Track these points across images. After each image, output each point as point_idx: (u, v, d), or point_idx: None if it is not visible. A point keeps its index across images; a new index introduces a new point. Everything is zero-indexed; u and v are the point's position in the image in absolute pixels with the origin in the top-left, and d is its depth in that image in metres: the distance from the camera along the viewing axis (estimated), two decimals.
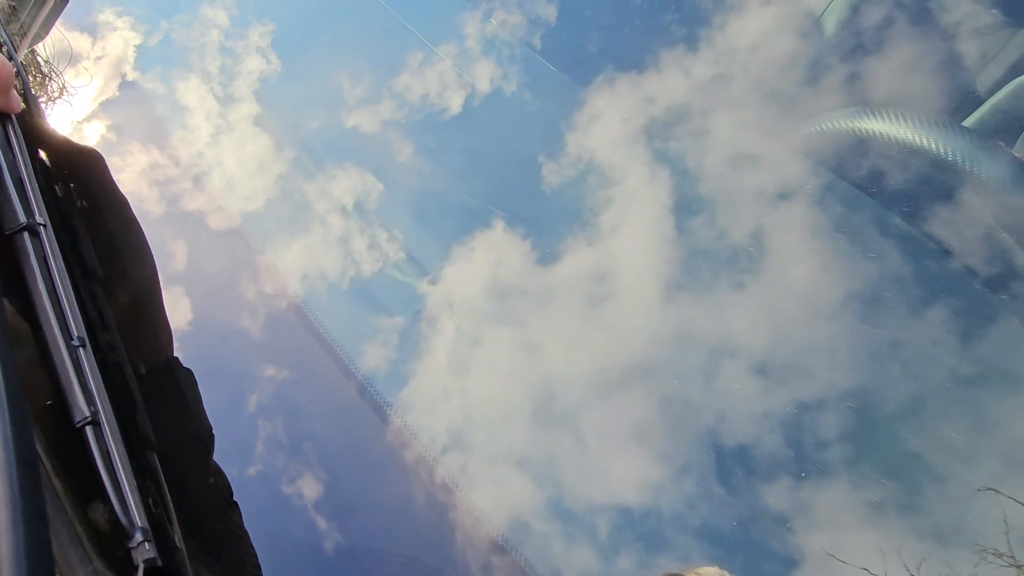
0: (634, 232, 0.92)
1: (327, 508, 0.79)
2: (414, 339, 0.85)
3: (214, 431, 0.83)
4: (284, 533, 0.80)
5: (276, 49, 1.19)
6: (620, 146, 0.99)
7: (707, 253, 0.88)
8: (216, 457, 0.84)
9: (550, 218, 0.95)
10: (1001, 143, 0.82)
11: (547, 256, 0.89)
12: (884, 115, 0.89)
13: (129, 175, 1.03)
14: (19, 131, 0.56)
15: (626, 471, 0.79)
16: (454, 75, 1.09)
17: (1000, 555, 0.60)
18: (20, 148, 0.56)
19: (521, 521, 0.77)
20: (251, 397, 0.86)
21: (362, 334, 0.88)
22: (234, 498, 0.76)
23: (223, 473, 0.72)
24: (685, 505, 0.72)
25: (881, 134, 0.89)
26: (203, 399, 0.88)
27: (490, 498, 0.80)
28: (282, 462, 0.83)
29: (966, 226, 0.77)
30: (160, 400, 0.66)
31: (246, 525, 0.75)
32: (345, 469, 0.83)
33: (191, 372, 0.74)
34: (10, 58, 0.67)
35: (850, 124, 0.91)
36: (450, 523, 0.77)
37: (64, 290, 0.53)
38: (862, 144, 0.88)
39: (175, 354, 0.76)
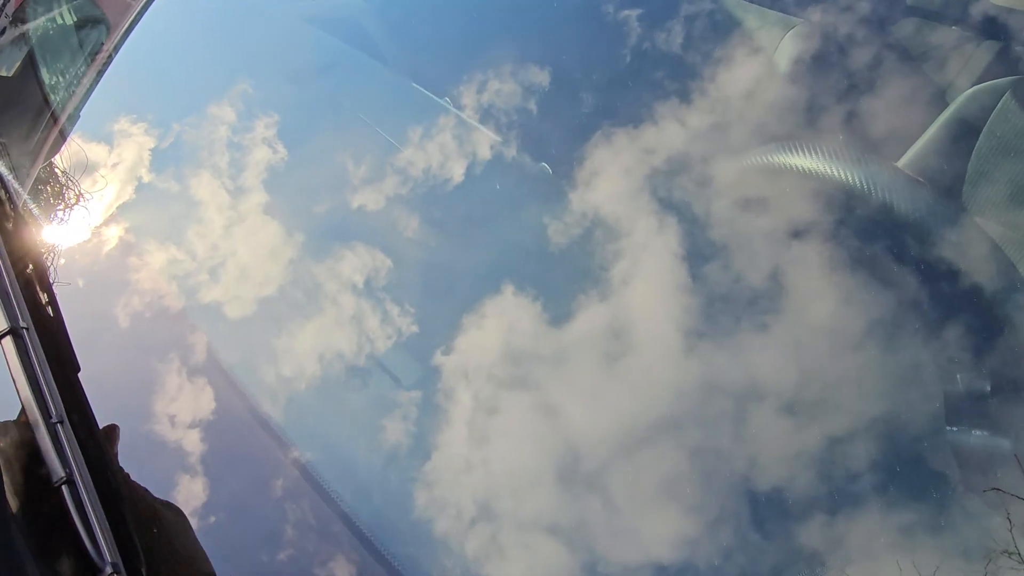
0: (647, 283, 0.93)
1: None
2: (432, 412, 0.85)
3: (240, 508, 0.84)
4: None
5: (282, 138, 1.24)
6: (624, 199, 1.00)
7: (725, 298, 0.88)
8: (245, 539, 0.84)
9: (560, 278, 0.95)
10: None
11: (560, 316, 0.90)
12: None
13: (148, 273, 1.06)
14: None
15: (659, 528, 0.77)
16: (454, 146, 1.12)
17: (1011, 554, 0.60)
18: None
19: None
20: (276, 482, 0.87)
21: (381, 410, 0.89)
22: None
23: None
24: (721, 556, 0.70)
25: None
26: (230, 487, 0.89)
27: (523, 567, 0.79)
28: (313, 545, 0.83)
29: (971, 246, 0.78)
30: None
31: None
32: (377, 544, 0.82)
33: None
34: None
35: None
36: None
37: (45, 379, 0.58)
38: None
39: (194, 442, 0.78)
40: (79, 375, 0.64)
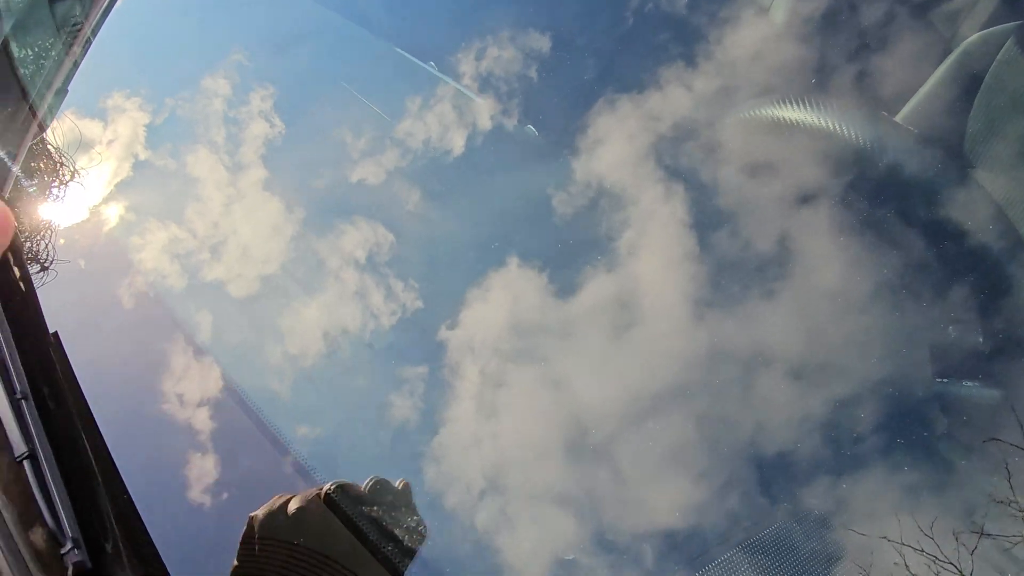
0: (654, 253, 0.92)
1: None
2: (440, 386, 0.85)
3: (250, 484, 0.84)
4: None
5: (279, 112, 1.22)
6: (629, 167, 0.99)
7: (734, 265, 0.87)
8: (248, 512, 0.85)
9: (565, 249, 0.94)
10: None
11: (566, 288, 0.89)
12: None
13: (150, 252, 1.05)
14: None
15: (667, 496, 0.77)
16: (454, 116, 1.10)
17: (1008, 502, 0.61)
18: None
19: (566, 558, 0.76)
20: (285, 458, 0.87)
21: (389, 386, 0.88)
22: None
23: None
24: (729, 521, 0.71)
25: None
26: (239, 458, 0.89)
27: (533, 537, 0.79)
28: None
29: (976, 207, 0.76)
30: None
31: None
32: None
33: None
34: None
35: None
36: (497, 566, 0.76)
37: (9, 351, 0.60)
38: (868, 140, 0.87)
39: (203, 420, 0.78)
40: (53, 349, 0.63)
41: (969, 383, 0.74)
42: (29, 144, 0.88)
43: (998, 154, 0.82)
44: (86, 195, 1.04)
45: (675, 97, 1.00)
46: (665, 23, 1.08)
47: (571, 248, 0.96)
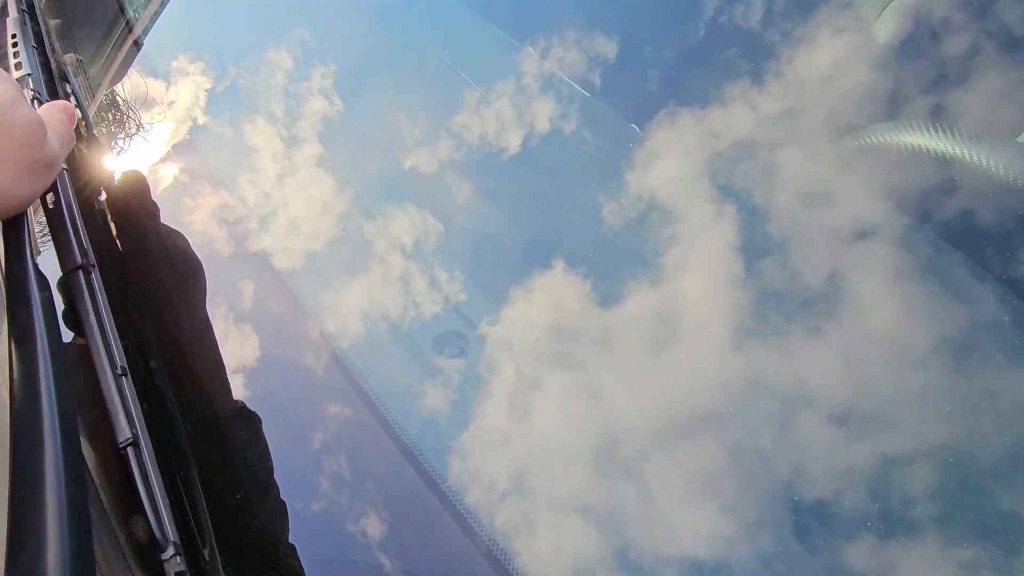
0: (699, 273, 0.90)
1: (391, 549, 0.78)
2: (474, 381, 0.84)
3: (275, 467, 0.85)
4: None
5: (338, 90, 1.22)
6: (683, 183, 0.97)
7: (779, 296, 0.85)
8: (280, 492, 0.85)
9: (611, 258, 0.94)
10: None
11: (608, 297, 0.88)
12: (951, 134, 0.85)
13: (200, 215, 1.06)
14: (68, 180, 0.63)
15: (694, 523, 0.76)
16: (512, 114, 1.10)
17: None
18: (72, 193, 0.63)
19: (586, 570, 0.76)
20: (315, 435, 0.87)
21: (423, 374, 0.88)
22: (290, 539, 0.77)
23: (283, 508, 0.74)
24: (760, 562, 0.69)
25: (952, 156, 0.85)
26: (267, 437, 0.90)
27: (552, 545, 0.79)
28: (346, 499, 0.84)
29: None
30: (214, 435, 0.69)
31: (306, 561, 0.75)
32: (407, 509, 0.83)
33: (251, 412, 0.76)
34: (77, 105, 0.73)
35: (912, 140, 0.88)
36: (513, 570, 0.76)
37: (110, 324, 0.56)
38: (946, 175, 0.84)
39: (238, 390, 0.78)
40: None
41: None
42: (103, 93, 0.89)
43: None
44: (147, 150, 1.06)
45: (740, 115, 0.99)
46: (739, 39, 1.07)
47: (617, 258, 0.95)
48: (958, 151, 0.82)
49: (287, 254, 1.00)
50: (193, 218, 1.04)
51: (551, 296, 0.89)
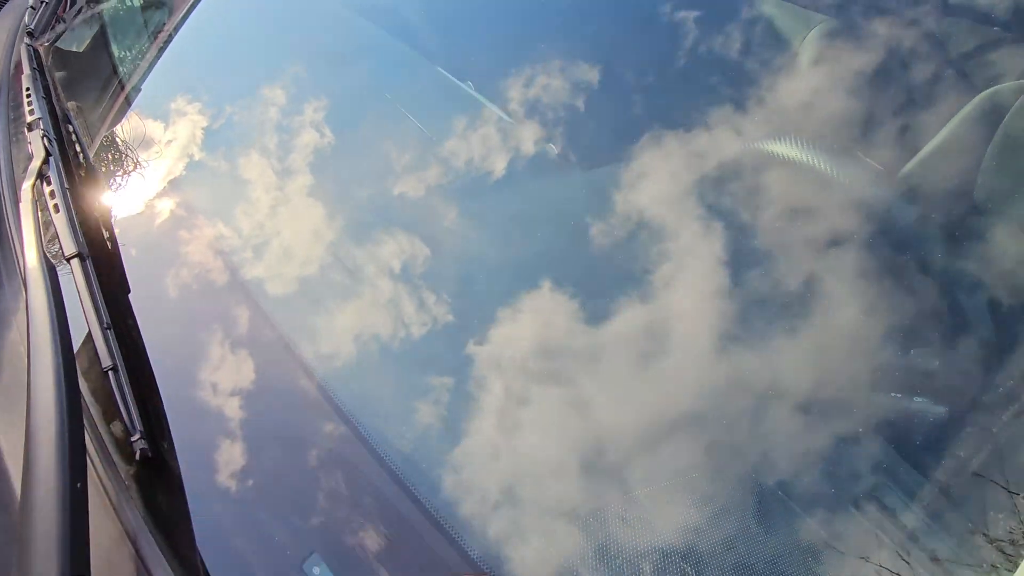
0: (685, 288, 0.93)
1: (386, 560, 0.80)
2: (464, 399, 0.87)
3: (272, 485, 0.87)
4: None
5: (329, 123, 1.27)
6: (670, 203, 1.01)
7: (761, 303, 0.89)
8: (277, 508, 0.87)
9: (598, 278, 0.97)
10: None
11: (596, 315, 0.91)
12: None
13: (197, 247, 1.10)
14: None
15: (669, 517, 0.79)
16: (498, 139, 1.14)
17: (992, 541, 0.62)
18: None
19: (571, 569, 0.78)
20: (311, 452, 0.89)
21: (414, 393, 0.91)
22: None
23: None
24: (723, 546, 0.72)
25: None
26: (266, 453, 0.92)
27: (541, 549, 0.80)
28: (344, 513, 0.85)
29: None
30: None
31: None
32: (401, 521, 0.84)
33: None
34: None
35: None
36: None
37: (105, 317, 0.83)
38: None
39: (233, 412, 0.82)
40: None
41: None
42: (103, 135, 0.95)
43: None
44: (144, 187, 1.10)
45: (721, 138, 1.03)
46: (720, 67, 1.11)
47: (604, 277, 0.98)
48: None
49: (280, 280, 1.03)
50: (190, 248, 1.08)
51: (539, 316, 0.92)
